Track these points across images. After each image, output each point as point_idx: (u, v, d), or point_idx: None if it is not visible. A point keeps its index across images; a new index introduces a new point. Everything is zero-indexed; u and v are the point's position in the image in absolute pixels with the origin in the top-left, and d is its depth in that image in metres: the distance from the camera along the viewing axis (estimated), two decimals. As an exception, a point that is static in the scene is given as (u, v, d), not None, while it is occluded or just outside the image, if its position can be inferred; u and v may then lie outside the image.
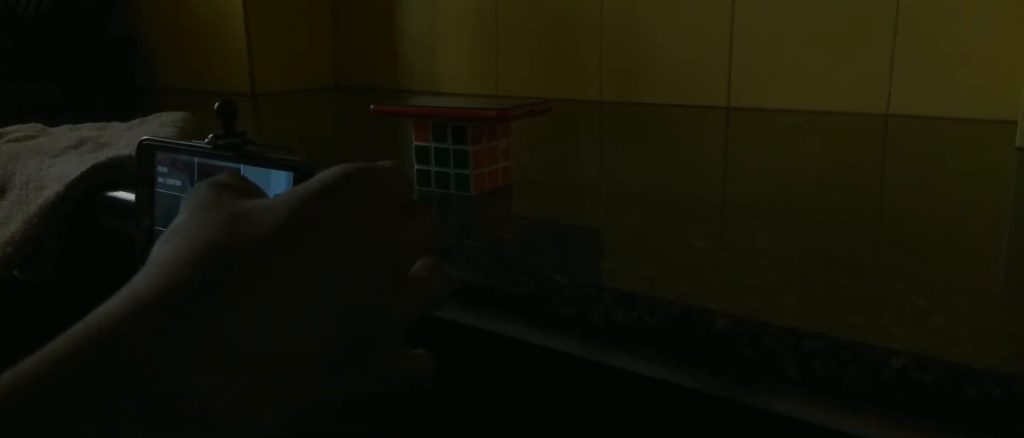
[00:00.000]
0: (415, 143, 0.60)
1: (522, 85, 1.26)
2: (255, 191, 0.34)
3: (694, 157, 0.79)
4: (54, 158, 0.74)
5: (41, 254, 0.71)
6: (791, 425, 0.34)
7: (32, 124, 0.92)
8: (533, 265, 0.42)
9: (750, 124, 0.95)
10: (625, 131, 0.96)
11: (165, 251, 0.28)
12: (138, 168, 0.47)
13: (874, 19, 0.93)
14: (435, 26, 1.35)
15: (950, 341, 0.31)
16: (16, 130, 0.89)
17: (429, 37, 1.36)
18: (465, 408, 0.48)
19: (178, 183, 0.45)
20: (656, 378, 0.38)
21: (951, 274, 0.41)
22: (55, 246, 0.71)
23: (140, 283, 0.27)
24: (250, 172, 0.41)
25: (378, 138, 0.93)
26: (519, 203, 0.58)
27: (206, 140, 0.43)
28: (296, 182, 0.38)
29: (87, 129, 0.91)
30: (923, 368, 0.30)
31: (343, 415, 0.30)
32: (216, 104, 0.42)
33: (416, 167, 0.60)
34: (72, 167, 0.69)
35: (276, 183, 0.40)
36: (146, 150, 0.46)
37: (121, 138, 0.83)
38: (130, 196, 0.64)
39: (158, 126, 0.87)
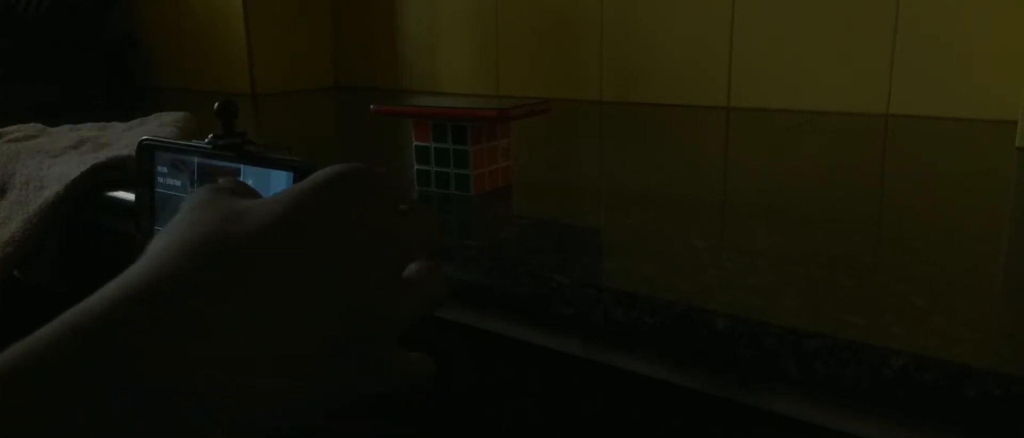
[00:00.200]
0: (415, 143, 0.60)
1: (522, 85, 1.26)
2: (254, 195, 0.34)
3: (694, 157, 0.79)
4: (54, 158, 0.74)
5: (41, 254, 0.71)
6: (791, 425, 0.34)
7: (32, 124, 0.92)
8: (533, 265, 0.42)
9: (750, 124, 0.95)
10: (625, 131, 0.96)
11: (158, 245, 0.28)
12: (138, 168, 0.47)
13: (874, 19, 0.93)
14: (435, 26, 1.35)
15: (950, 341, 0.31)
16: (16, 130, 0.89)
17: (429, 37, 1.36)
18: (465, 408, 0.48)
19: (178, 183, 0.45)
20: (656, 378, 0.38)
21: (951, 274, 0.41)
22: (55, 246, 0.71)
23: (132, 274, 0.26)
24: (250, 172, 0.41)
25: (378, 138, 0.93)
26: (519, 203, 0.58)
27: (206, 140, 0.43)
28: (296, 182, 0.38)
29: (87, 129, 0.91)
30: (923, 368, 0.30)
31: (343, 415, 0.30)
32: (216, 104, 0.42)
33: (416, 167, 0.60)
34: (72, 167, 0.69)
35: (276, 183, 0.40)
36: (146, 150, 0.46)
37: (121, 138, 0.83)
38: (130, 196, 0.64)
39: (158, 126, 0.87)
